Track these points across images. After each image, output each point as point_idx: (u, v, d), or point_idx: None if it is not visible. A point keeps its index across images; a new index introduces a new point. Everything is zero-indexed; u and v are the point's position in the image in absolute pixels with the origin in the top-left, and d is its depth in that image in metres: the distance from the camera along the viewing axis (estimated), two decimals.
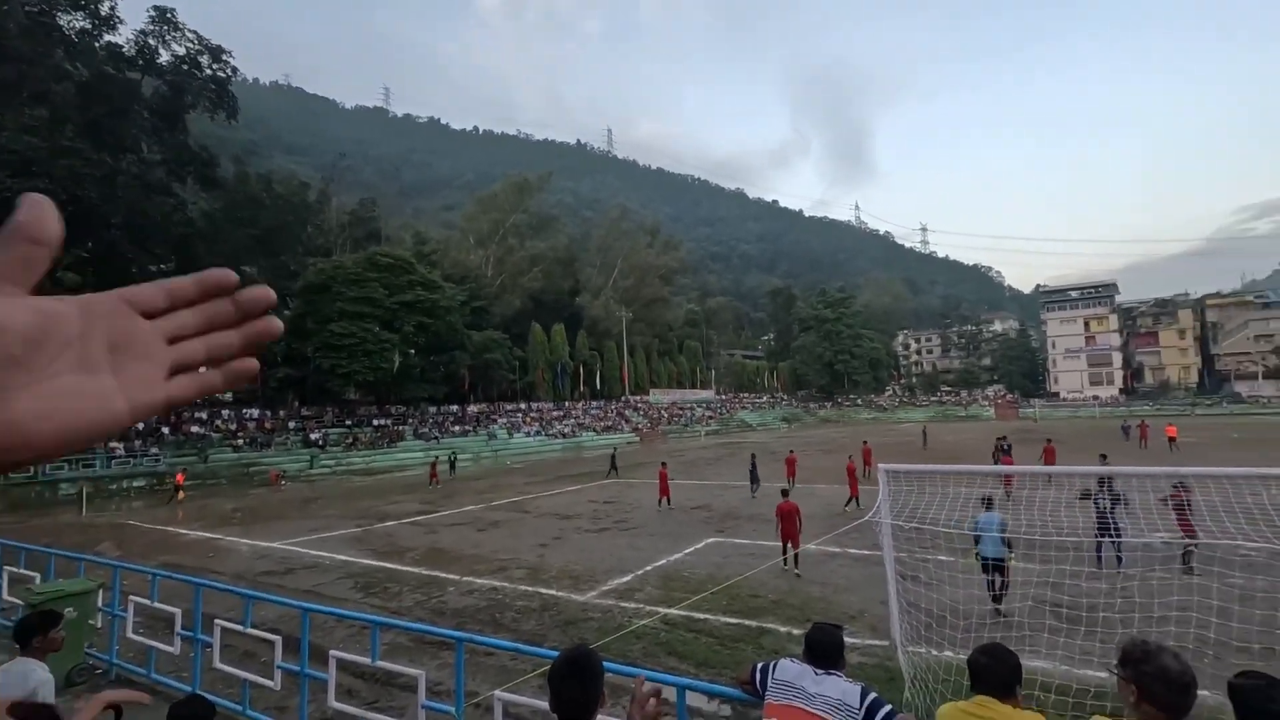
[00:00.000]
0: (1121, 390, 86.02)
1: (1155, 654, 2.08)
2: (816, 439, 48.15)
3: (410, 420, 44.96)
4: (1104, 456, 17.08)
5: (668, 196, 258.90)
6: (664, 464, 19.50)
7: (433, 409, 48.14)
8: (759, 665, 2.83)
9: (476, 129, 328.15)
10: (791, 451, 23.54)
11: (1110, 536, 9.36)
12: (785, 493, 12.44)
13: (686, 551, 12.16)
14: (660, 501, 17.83)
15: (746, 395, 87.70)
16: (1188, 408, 71.88)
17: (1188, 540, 9.18)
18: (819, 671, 2.65)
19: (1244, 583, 8.32)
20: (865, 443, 26.09)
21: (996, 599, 8.06)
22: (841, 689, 2.55)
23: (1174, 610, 6.18)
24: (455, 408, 50.01)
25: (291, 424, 38.35)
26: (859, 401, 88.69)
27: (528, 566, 11.42)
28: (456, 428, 46.25)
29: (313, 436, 36.83)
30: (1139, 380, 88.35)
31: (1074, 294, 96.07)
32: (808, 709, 2.50)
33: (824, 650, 2.74)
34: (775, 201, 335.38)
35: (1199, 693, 2.17)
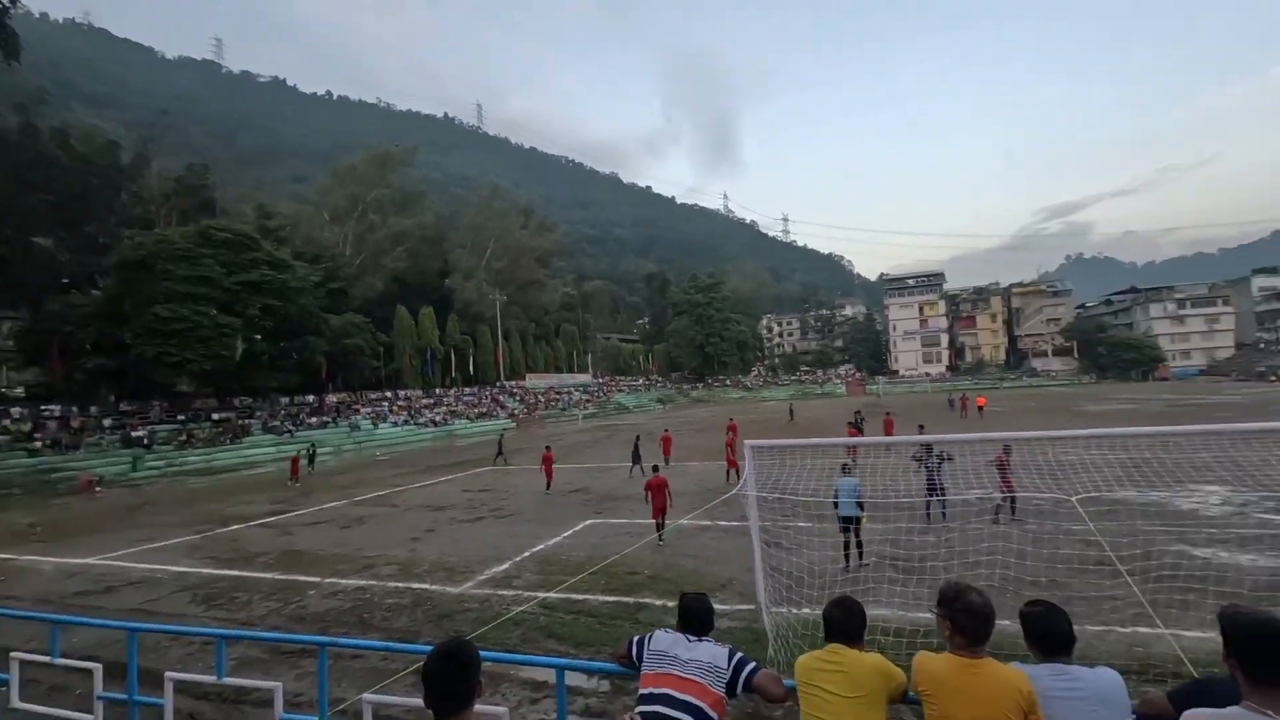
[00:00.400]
0: (948, 367, 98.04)
1: (963, 593, 2.45)
2: (689, 419, 50.13)
3: (258, 413, 40.76)
4: (921, 426, 19.56)
5: (541, 177, 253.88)
6: (548, 448, 19.40)
7: (285, 400, 44.01)
8: (635, 639, 2.93)
9: (330, 93, 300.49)
10: (666, 431, 24.38)
11: (936, 496, 10.69)
12: (656, 469, 13.11)
13: (565, 535, 12.22)
14: (549, 486, 17.94)
15: (623, 378, 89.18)
16: (997, 381, 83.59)
17: (1009, 494, 10.76)
18: (691, 639, 2.80)
19: (1036, 528, 9.89)
20: (731, 420, 27.57)
21: (859, 555, 8.98)
22: (712, 652, 2.71)
23: (985, 555, 7.21)
24: (311, 398, 46.09)
25: (107, 422, 33.21)
26: (728, 382, 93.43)
27: (398, 562, 10.89)
28: (313, 419, 42.66)
29: (136, 435, 32.22)
30: (961, 358, 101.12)
31: (911, 282, 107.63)
32: (680, 674, 2.63)
33: (695, 618, 2.90)
34: (649, 188, 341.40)
35: (1002, 623, 2.58)
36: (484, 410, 56.81)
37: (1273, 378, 61.81)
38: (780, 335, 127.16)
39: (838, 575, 7.69)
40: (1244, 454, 9.43)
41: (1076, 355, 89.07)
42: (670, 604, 7.56)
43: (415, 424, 48.02)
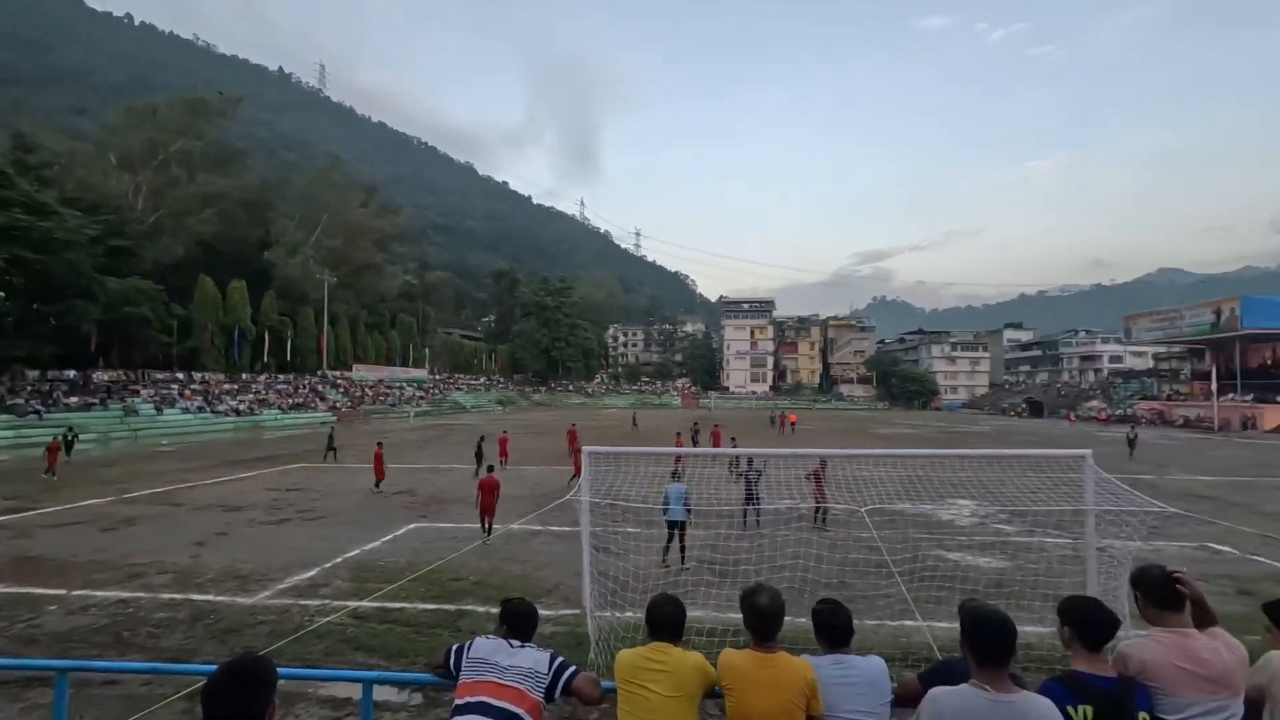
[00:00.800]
0: (772, 387, 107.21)
1: (753, 594, 2.72)
2: (529, 422, 49.48)
3: None
4: (734, 439, 21.35)
5: (390, 155, 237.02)
6: (380, 444, 18.03)
7: (33, 374, 36.22)
8: (453, 647, 2.83)
9: (130, 17, 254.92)
10: (505, 432, 23.86)
11: (753, 504, 11.63)
12: (490, 469, 12.90)
13: (384, 539, 11.40)
14: (378, 484, 16.78)
15: (463, 376, 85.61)
16: (811, 403, 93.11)
17: (822, 504, 11.95)
18: (514, 644, 2.76)
19: (832, 535, 11.14)
20: (572, 425, 27.72)
21: (681, 559, 9.45)
22: (534, 658, 2.70)
23: (790, 559, 7.95)
24: (73, 373, 38.45)
25: None
26: (570, 387, 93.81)
27: (175, 570, 9.41)
28: (73, 399, 35.56)
29: None
30: (783, 380, 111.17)
31: (746, 306, 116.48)
32: (500, 681, 2.58)
33: (518, 624, 2.87)
34: (506, 183, 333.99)
35: (800, 620, 2.89)
36: (300, 401, 51.36)
37: (1013, 413, 75.74)
38: (625, 345, 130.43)
39: (660, 579, 8.03)
40: (988, 475, 11.46)
41: (875, 384, 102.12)
42: (494, 610, 7.37)
43: (212, 412, 42.02)
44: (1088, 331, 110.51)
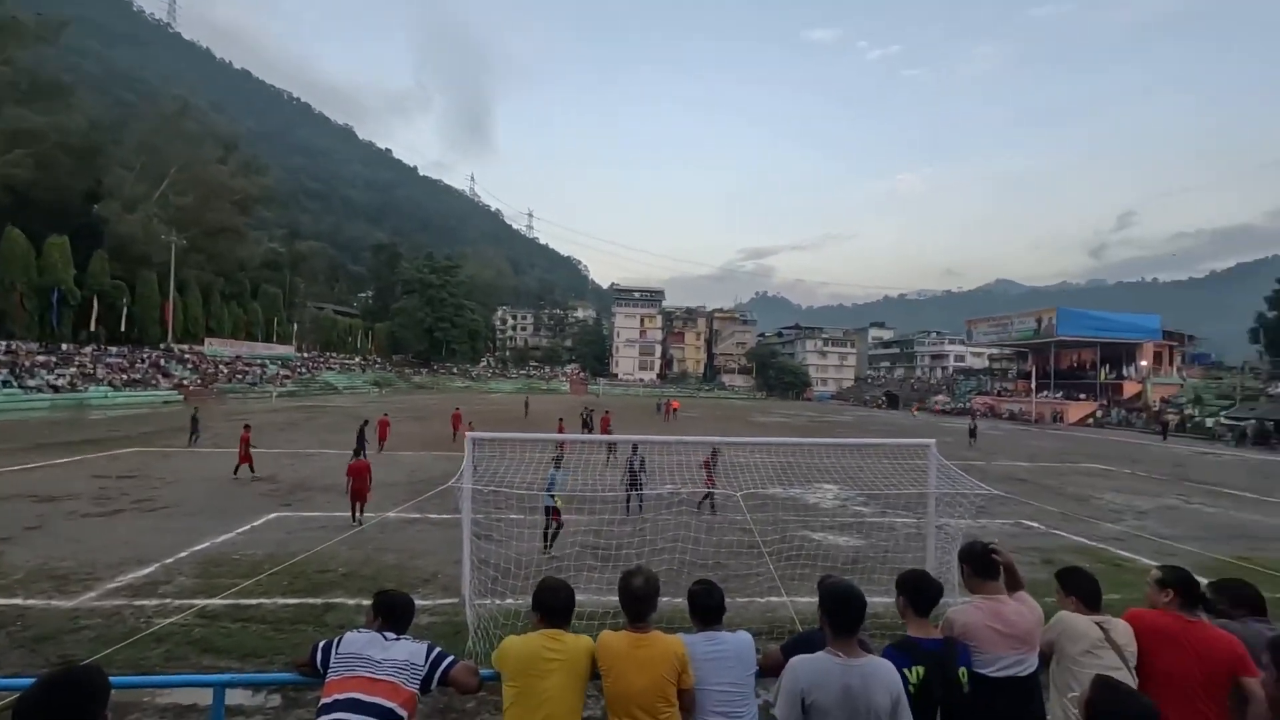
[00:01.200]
0: (659, 375, 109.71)
1: (628, 577, 2.83)
2: (409, 406, 47.19)
3: None
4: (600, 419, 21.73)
5: (254, 107, 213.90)
6: (247, 426, 16.36)
7: None
8: (321, 644, 2.68)
9: None
10: (385, 415, 22.69)
11: (636, 490, 11.91)
12: (357, 452, 12.32)
13: (240, 530, 10.45)
14: (238, 469, 15.36)
15: (335, 355, 79.72)
16: (695, 391, 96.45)
17: (712, 490, 12.42)
18: (389, 637, 2.66)
19: (710, 518, 11.68)
20: (456, 409, 26.85)
21: (549, 543, 9.48)
22: (409, 650, 2.62)
23: (669, 542, 8.25)
24: None
25: None
26: (454, 370, 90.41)
27: None
28: None
29: None
30: (670, 368, 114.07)
31: (637, 295, 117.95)
32: (372, 676, 2.48)
33: (392, 615, 2.77)
34: (389, 151, 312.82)
35: (678, 601, 3.04)
36: (138, 377, 45.49)
37: (874, 404, 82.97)
38: (514, 328, 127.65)
39: (543, 565, 8.03)
40: (849, 461, 12.51)
41: (755, 375, 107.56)
42: (365, 603, 7.02)
43: (21, 387, 36.17)
44: (938, 333, 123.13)
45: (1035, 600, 3.01)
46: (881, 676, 2.40)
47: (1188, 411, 46.15)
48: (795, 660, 2.51)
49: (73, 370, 41.44)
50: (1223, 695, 2.60)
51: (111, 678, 1.84)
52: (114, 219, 52.71)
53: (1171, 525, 13.51)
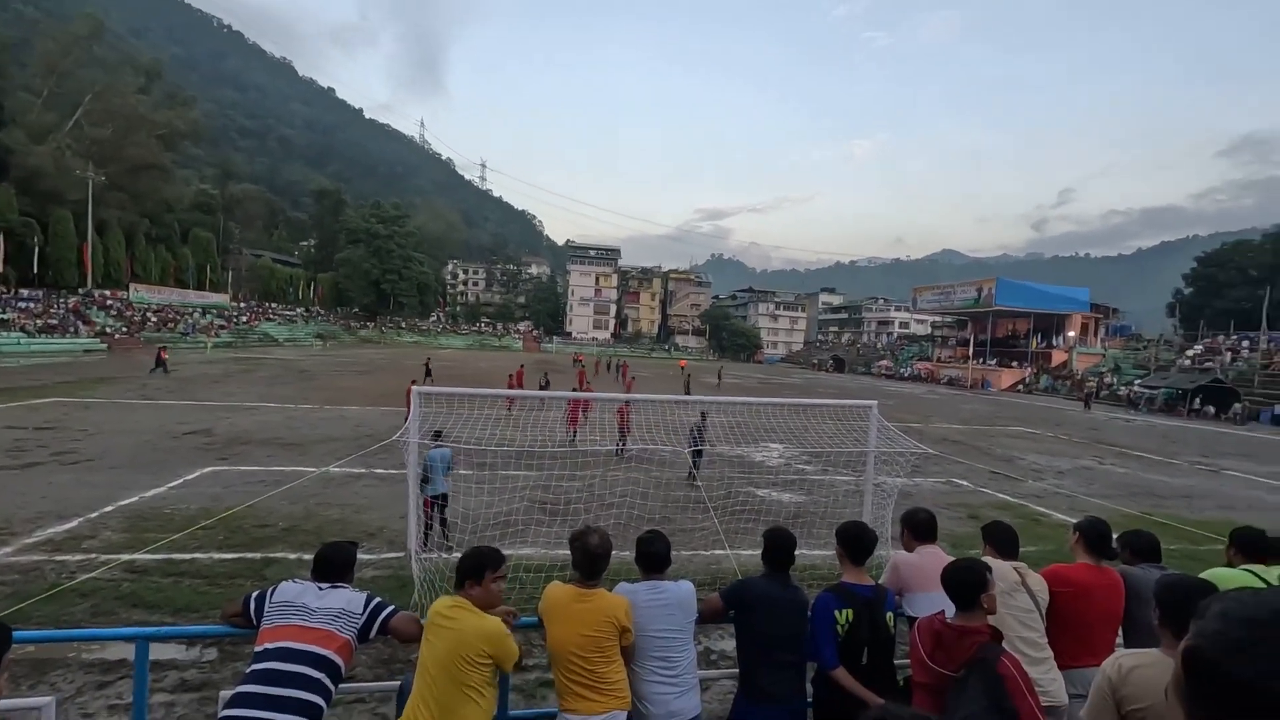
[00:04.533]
0: (613, 334, 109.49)
1: (582, 536, 2.85)
2: (354, 360, 45.83)
3: None
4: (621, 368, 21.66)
5: (178, 33, 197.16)
6: (163, 347, 15.48)
7: None
8: (253, 594, 2.62)
9: None
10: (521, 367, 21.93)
11: (696, 449, 11.90)
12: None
13: (171, 485, 10.03)
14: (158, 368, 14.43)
15: (275, 306, 76.22)
16: (648, 352, 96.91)
17: (626, 435, 12.53)
18: (323, 586, 2.62)
19: (658, 475, 11.89)
20: (520, 367, 25.79)
21: (443, 533, 7.79)
22: (347, 598, 2.58)
23: (617, 497, 8.37)
24: None
25: None
26: (403, 324, 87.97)
27: None
28: None
29: None
30: (624, 328, 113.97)
31: (592, 253, 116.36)
32: (306, 624, 2.44)
33: (330, 565, 2.72)
34: (332, 90, 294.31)
35: (625, 553, 3.14)
36: (55, 323, 42.50)
37: (822, 368, 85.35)
38: (465, 283, 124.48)
39: (491, 521, 8.03)
40: (795, 421, 12.88)
41: (708, 336, 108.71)
42: (308, 557, 6.88)
43: None
44: (885, 299, 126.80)
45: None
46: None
47: (1107, 380, 49.30)
48: (742, 581, 3.10)
49: None
50: (1115, 625, 3.15)
51: (22, 631, 1.74)
52: (21, 149, 48.18)
53: (1087, 484, 14.54)
